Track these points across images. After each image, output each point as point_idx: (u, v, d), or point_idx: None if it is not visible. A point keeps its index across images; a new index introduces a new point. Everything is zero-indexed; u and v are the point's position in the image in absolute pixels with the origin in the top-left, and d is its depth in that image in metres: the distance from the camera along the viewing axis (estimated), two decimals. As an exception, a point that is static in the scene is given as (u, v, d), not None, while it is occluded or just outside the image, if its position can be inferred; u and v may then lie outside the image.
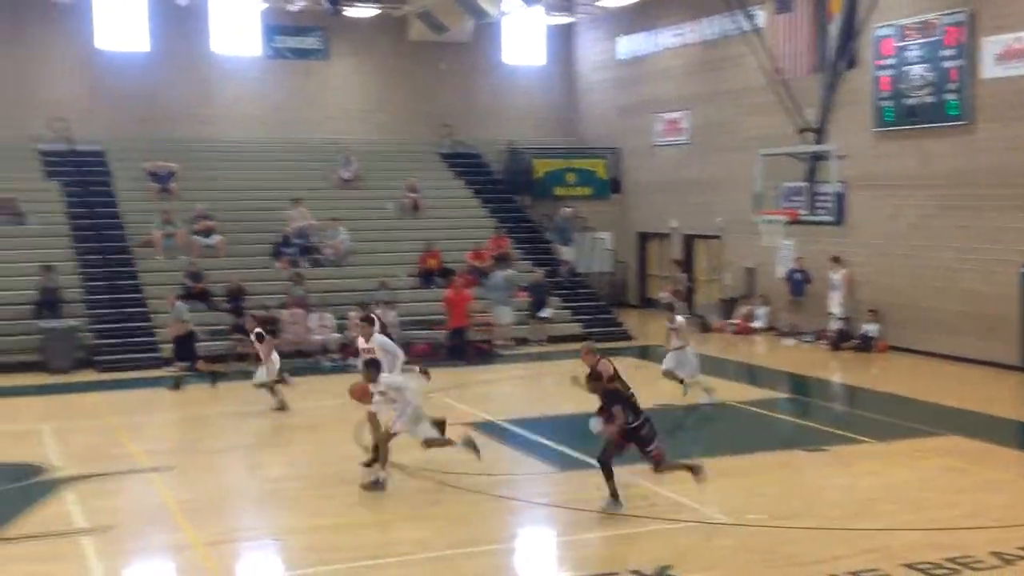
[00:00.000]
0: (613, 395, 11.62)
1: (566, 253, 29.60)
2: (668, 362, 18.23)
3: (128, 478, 13.37)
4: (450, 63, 33.10)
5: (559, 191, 32.00)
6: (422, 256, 27.07)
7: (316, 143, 31.19)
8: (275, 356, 18.12)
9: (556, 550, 11.18)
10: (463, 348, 23.87)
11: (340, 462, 13.93)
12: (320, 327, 23.96)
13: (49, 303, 23.41)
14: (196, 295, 24.49)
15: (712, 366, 20.07)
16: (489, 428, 16.35)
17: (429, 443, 12.98)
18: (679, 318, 18.79)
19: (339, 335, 23.84)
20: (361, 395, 12.94)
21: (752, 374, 21.74)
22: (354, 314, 21.13)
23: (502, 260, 27.00)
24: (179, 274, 25.13)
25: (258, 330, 18.24)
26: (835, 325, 24.36)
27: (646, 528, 11.15)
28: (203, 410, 18.37)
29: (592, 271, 30.63)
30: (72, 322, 22.97)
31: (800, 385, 20.70)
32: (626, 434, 11.54)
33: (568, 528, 11.48)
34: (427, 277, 26.67)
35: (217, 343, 23.07)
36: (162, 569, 10.61)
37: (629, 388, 12.15)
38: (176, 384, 19.96)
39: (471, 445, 13.10)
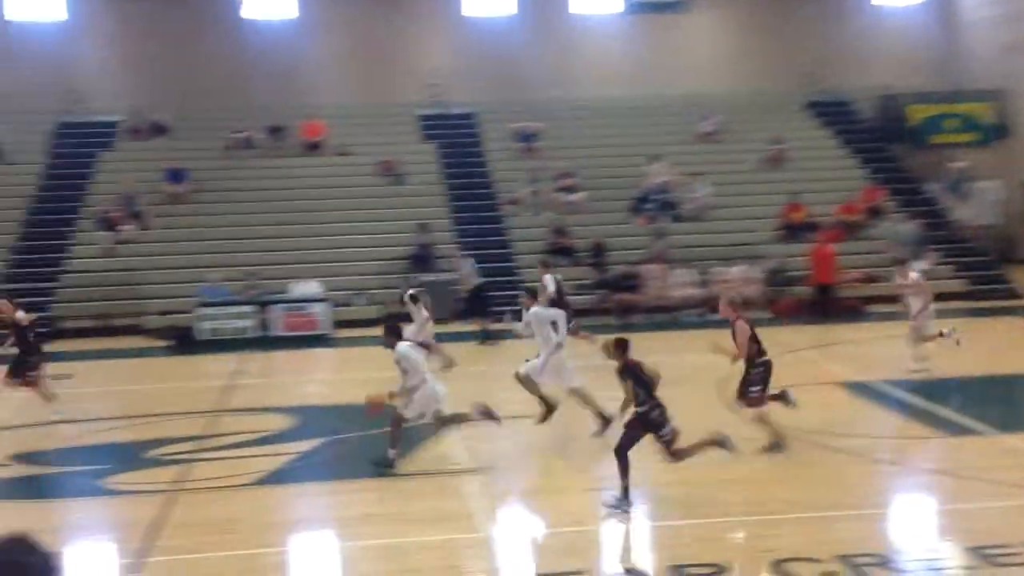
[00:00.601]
0: (631, 371, 10.26)
1: (959, 209, 27.51)
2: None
3: (505, 423, 13.88)
4: (814, 8, 31.66)
5: (937, 138, 29.89)
6: (786, 209, 26.21)
7: (675, 97, 30.95)
8: (426, 314, 18.15)
9: (935, 518, 10.41)
10: (827, 305, 22.92)
11: (708, 417, 13.71)
12: (681, 282, 23.85)
13: (423, 258, 24.89)
14: (560, 250, 25.15)
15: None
16: (861, 389, 15.58)
17: (442, 421, 12.08)
18: (913, 274, 16.78)
19: (700, 290, 23.63)
20: (374, 408, 11.98)
21: None
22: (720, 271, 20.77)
23: (875, 213, 25.63)
24: (543, 230, 25.91)
25: (411, 292, 18.66)
26: None
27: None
28: (572, 362, 18.77)
29: (977, 224, 28.36)
30: (448, 275, 24.31)
31: None
32: (637, 419, 10.23)
33: (950, 496, 10.69)
34: (792, 231, 25.79)
35: (581, 297, 23.57)
36: (534, 510, 10.92)
37: (764, 354, 11.62)
38: (485, 338, 20.61)
39: (488, 414, 12.05)
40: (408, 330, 18.42)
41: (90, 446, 13.77)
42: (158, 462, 12.71)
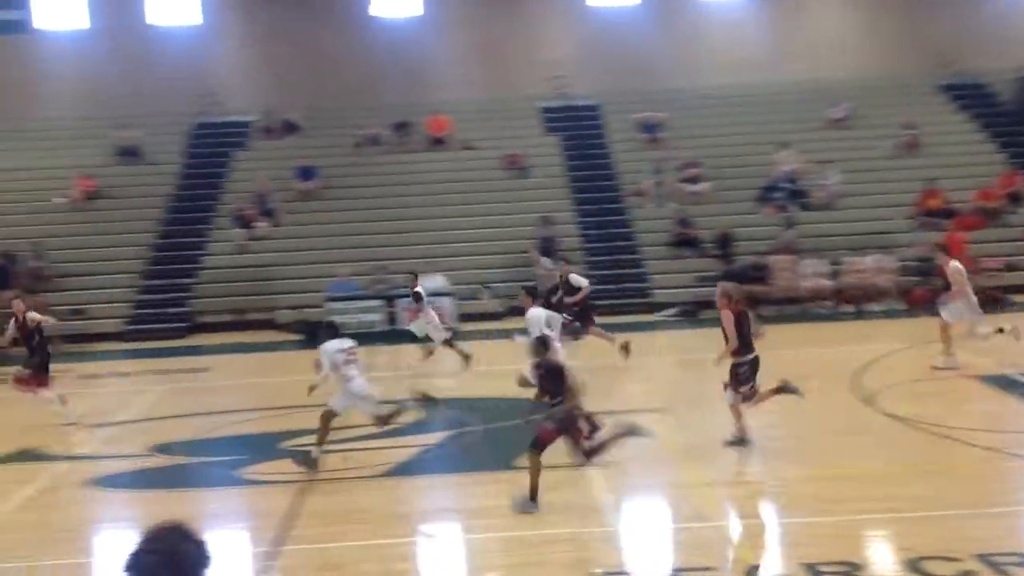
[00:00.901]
0: (546, 370, 10.32)
1: None
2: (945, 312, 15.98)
3: (630, 417, 13.82)
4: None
5: (1082, 120, 28.51)
6: (921, 196, 25.38)
7: (803, 83, 30.22)
8: (433, 316, 18.33)
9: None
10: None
11: (836, 412, 13.44)
12: (811, 273, 23.35)
13: (547, 252, 24.91)
14: (684, 241, 24.91)
15: None
16: (1000, 382, 15.00)
17: (380, 420, 12.24)
18: (953, 264, 16.01)
19: (831, 282, 23.09)
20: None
21: None
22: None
23: (1015, 198, 24.63)
24: (668, 221, 25.68)
25: (416, 290, 18.59)
26: None
27: None
28: (697, 355, 18.55)
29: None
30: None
31: None
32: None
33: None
34: (929, 218, 24.93)
35: (706, 288, 23.27)
36: (661, 505, 10.87)
37: (752, 351, 11.55)
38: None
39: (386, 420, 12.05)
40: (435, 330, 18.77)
41: (226, 437, 14.23)
42: (291, 453, 13.04)
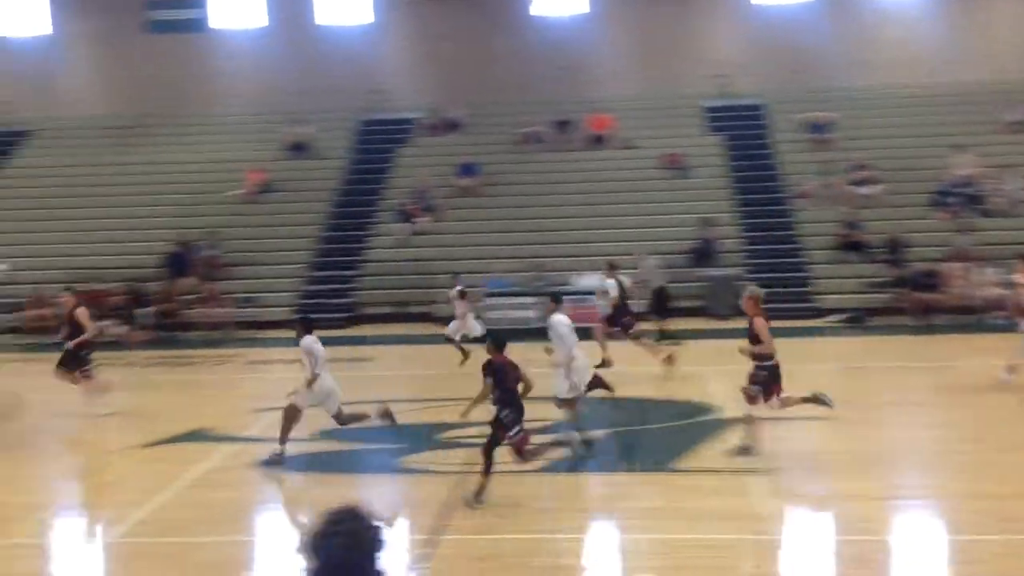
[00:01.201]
0: (495, 370, 10.37)
1: None
2: None
3: (789, 424, 13.49)
4: None
5: None
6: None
7: (981, 84, 28.95)
8: (471, 317, 18.18)
9: None
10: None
11: (1011, 428, 12.83)
12: (987, 282, 22.34)
13: (705, 253, 24.58)
14: (851, 245, 24.20)
15: None
16: None
17: (341, 418, 12.26)
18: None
19: (1008, 291, 22.01)
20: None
21: None
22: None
23: None
24: (834, 224, 25.00)
25: (459, 288, 18.59)
26: None
27: None
28: (861, 361, 18.06)
29: None
30: (732, 271, 23.91)
31: None
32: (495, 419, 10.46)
33: None
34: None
35: (874, 295, 22.62)
36: (823, 516, 10.56)
37: (773, 356, 11.40)
38: (661, 338, 20.02)
39: (387, 416, 12.31)
40: (452, 324, 18.59)
41: (387, 426, 14.51)
42: (448, 444, 13.23)
